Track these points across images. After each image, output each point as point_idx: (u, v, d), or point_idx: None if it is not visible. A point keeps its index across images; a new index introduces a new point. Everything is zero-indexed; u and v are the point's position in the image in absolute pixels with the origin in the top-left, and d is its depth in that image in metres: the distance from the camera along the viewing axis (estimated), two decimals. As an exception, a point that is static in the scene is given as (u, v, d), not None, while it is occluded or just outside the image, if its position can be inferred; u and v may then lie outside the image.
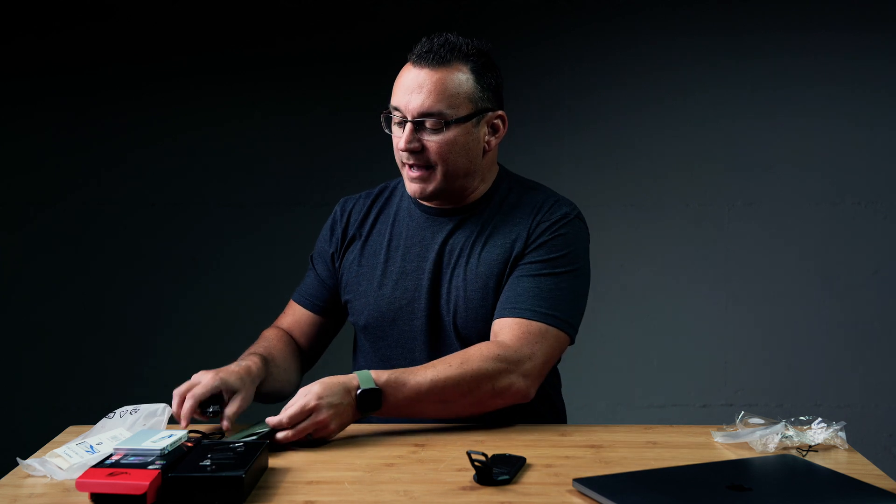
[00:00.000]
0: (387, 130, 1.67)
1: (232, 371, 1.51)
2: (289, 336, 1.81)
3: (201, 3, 3.21)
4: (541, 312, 1.58)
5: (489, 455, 1.24)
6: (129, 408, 1.43)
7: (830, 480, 1.23)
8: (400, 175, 1.82)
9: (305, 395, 1.42)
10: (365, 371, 1.48)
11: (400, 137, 1.63)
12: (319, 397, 1.41)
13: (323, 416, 1.41)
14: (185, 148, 3.26)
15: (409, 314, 1.69)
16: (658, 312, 3.22)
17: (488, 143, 1.68)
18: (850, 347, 3.20)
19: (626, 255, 3.22)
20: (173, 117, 3.25)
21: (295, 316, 1.83)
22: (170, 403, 1.46)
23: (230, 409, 1.46)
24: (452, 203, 1.71)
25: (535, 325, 1.57)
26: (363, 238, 1.77)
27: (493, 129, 1.68)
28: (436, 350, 1.67)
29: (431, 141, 1.61)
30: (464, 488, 1.21)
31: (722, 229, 3.22)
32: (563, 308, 1.60)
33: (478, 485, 1.22)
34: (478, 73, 1.63)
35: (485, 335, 1.63)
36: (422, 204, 1.73)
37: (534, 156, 3.12)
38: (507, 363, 1.53)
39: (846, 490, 1.18)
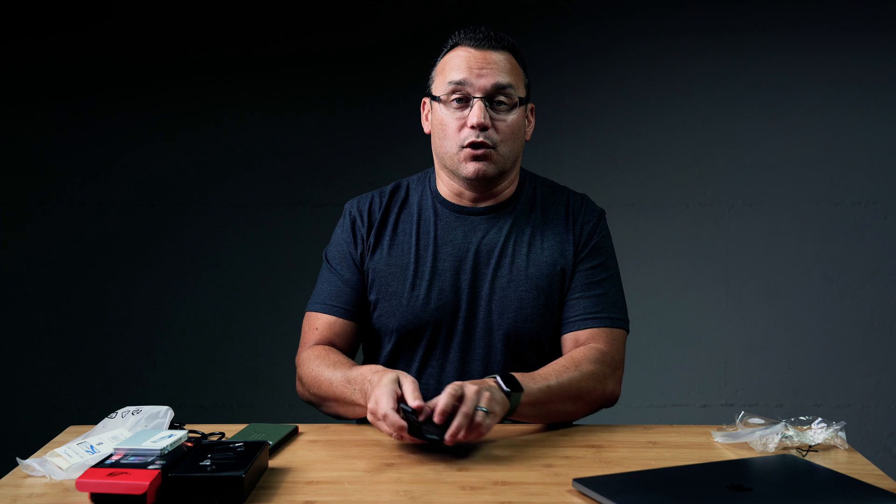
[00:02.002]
0: (444, 114, 1.61)
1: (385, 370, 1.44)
2: (338, 350, 1.68)
3: (201, 3, 3.21)
4: (616, 318, 1.65)
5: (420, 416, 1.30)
6: (132, 408, 1.42)
7: (830, 480, 1.23)
8: (413, 173, 1.79)
9: (452, 387, 1.34)
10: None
11: (460, 118, 1.60)
12: (467, 387, 1.34)
13: (485, 396, 1.34)
14: (184, 148, 3.26)
15: (446, 315, 1.65)
16: (658, 312, 3.22)
17: (526, 133, 1.69)
18: (849, 347, 3.20)
19: (626, 255, 3.20)
20: (173, 117, 3.25)
21: (333, 329, 1.68)
22: (171, 405, 1.45)
23: (415, 402, 1.32)
24: (487, 199, 1.69)
25: (616, 332, 1.64)
26: (389, 238, 1.70)
27: (527, 121, 1.69)
28: (471, 351, 1.65)
29: (499, 120, 1.61)
30: (464, 488, 1.21)
31: (722, 229, 3.22)
32: (623, 308, 1.68)
33: (477, 485, 1.22)
34: (521, 62, 1.66)
35: (536, 337, 1.64)
36: (449, 202, 1.70)
37: (534, 155, 3.11)
38: (610, 367, 1.58)
39: (846, 490, 1.18)
